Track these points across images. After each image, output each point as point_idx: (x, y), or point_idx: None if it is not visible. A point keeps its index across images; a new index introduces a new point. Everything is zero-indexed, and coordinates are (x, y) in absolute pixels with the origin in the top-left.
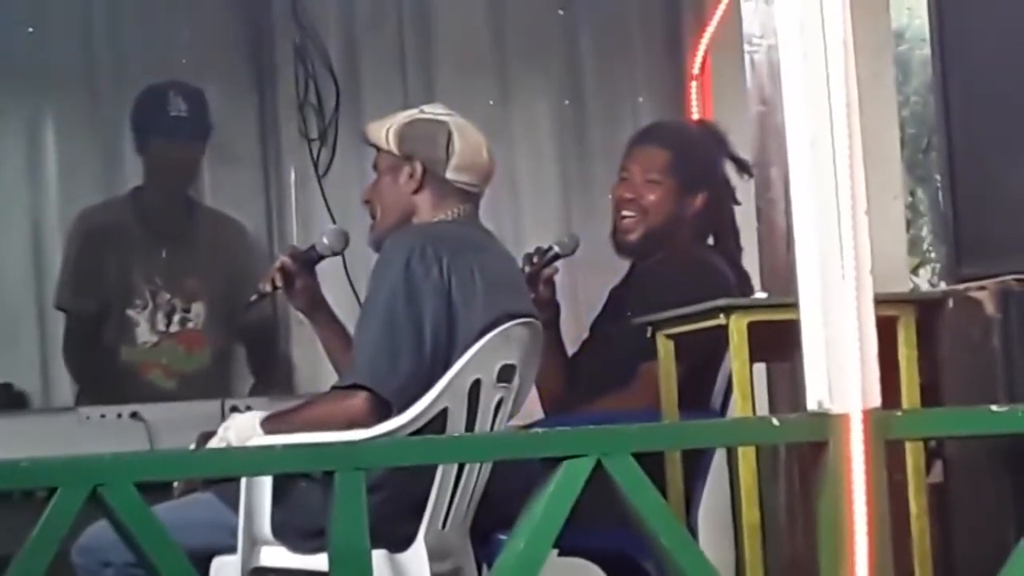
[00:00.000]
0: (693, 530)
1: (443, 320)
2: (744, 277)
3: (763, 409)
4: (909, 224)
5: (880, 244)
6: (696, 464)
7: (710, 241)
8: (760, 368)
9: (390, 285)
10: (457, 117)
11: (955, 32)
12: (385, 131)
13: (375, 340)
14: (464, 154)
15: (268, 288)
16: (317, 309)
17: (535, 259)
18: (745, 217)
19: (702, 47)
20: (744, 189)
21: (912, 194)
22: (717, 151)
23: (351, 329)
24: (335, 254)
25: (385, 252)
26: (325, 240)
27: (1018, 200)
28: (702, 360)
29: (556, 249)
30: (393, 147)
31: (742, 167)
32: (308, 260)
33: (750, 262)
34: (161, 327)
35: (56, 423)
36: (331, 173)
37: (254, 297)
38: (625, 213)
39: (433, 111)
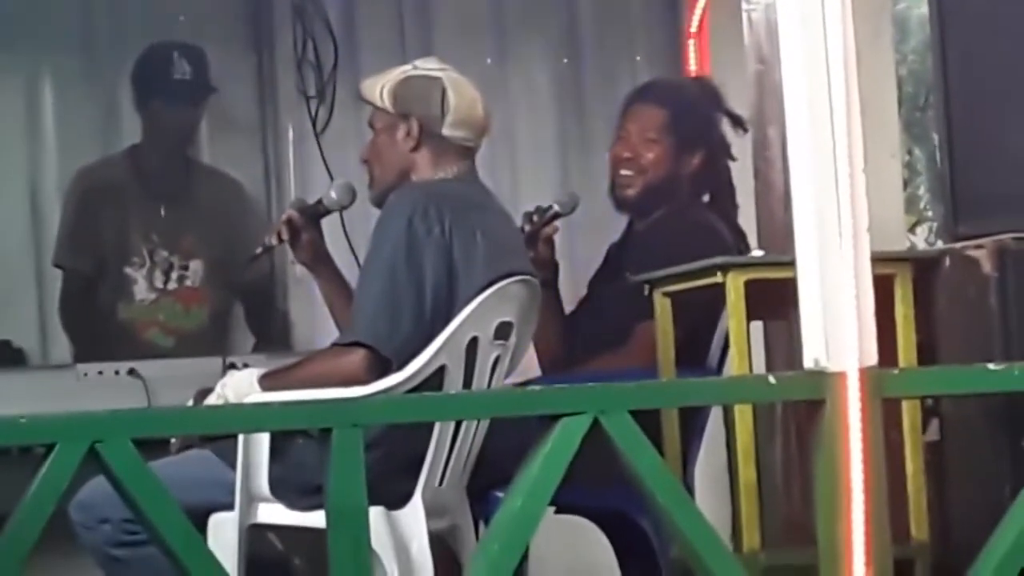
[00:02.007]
0: (690, 488)
1: (444, 279)
2: (740, 235)
3: (760, 367)
4: (906, 183)
5: (877, 203)
6: (693, 422)
7: (706, 199)
8: (757, 326)
9: (392, 243)
10: (451, 72)
11: None
12: (380, 88)
13: (376, 298)
14: (460, 110)
15: (274, 241)
16: (321, 263)
17: (535, 218)
18: (741, 174)
19: (700, 5)
20: (740, 145)
21: (909, 152)
22: (713, 108)
23: (353, 283)
24: (343, 208)
25: (387, 210)
26: (333, 194)
27: (1015, 158)
28: (699, 318)
29: (556, 208)
30: (388, 105)
31: (737, 123)
32: (315, 214)
33: (746, 220)
34: (159, 284)
35: (54, 380)
36: (329, 131)
37: (259, 250)
38: (623, 172)
39: (427, 66)
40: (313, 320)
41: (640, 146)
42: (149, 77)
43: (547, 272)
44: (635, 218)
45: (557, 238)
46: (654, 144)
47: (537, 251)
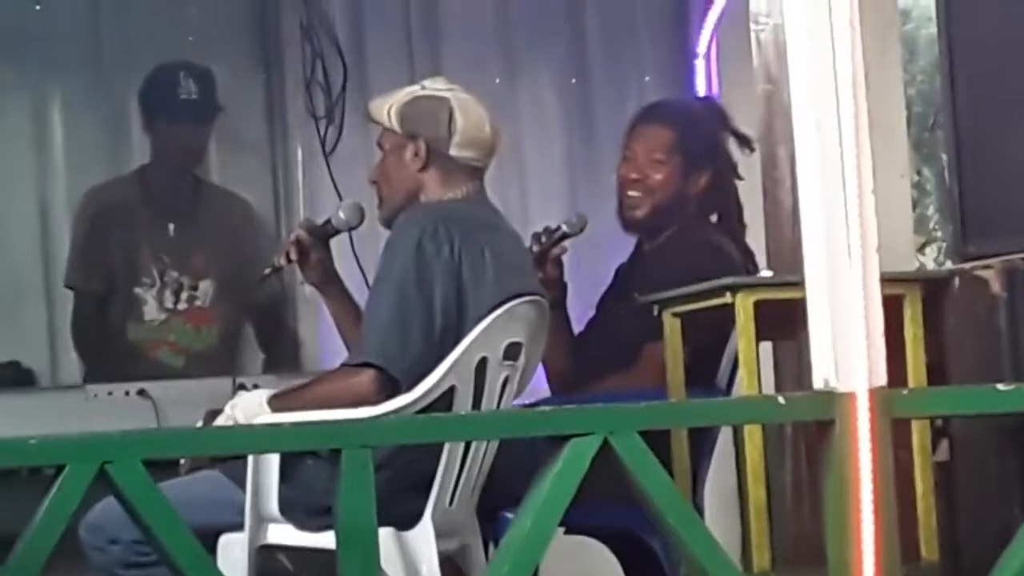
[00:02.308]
0: (699, 508)
1: (453, 300)
2: (749, 254)
3: (769, 388)
4: (915, 203)
5: (886, 223)
6: (702, 442)
7: (714, 219)
8: (766, 346)
9: (401, 264)
10: (459, 92)
11: (961, 11)
12: (387, 109)
13: (385, 318)
14: (467, 131)
15: (283, 261)
16: (330, 283)
17: (543, 239)
18: (750, 194)
19: (709, 26)
20: (746, 164)
21: (918, 172)
22: (719, 127)
23: (362, 304)
24: (351, 228)
25: (396, 231)
26: (342, 214)
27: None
28: (708, 338)
29: (564, 228)
30: (396, 125)
31: (744, 142)
32: (323, 234)
33: (754, 239)
34: (169, 305)
35: (64, 401)
36: (338, 151)
37: (268, 270)
38: (630, 193)
39: (434, 87)
40: (322, 340)
41: (647, 167)
42: (156, 97)
43: (556, 292)
44: (644, 239)
45: (566, 258)
46: (661, 165)
47: (546, 272)
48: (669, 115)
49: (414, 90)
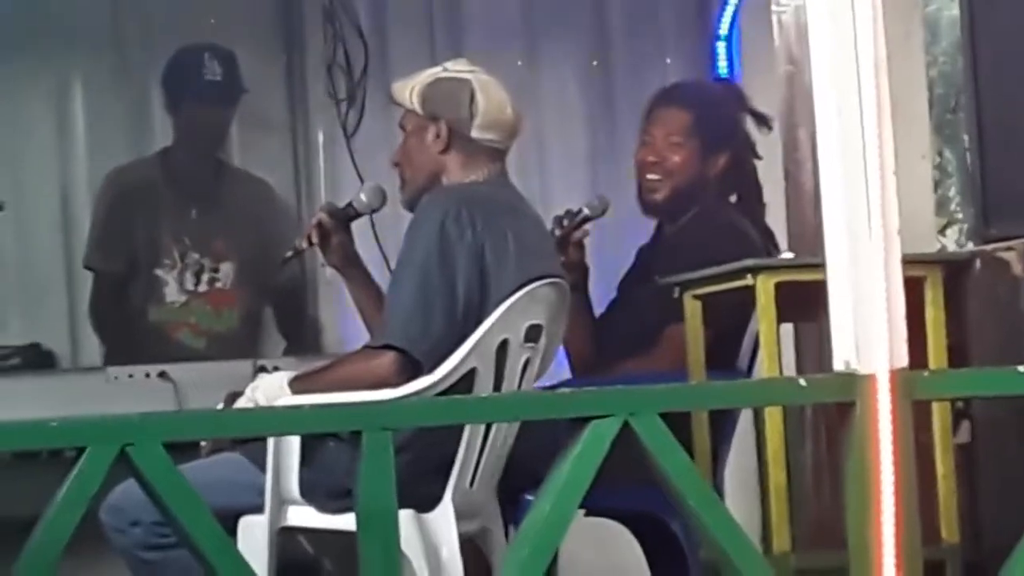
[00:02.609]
0: (719, 490)
1: (476, 282)
2: (768, 234)
3: (790, 369)
4: (936, 184)
5: (907, 204)
6: (723, 425)
7: (733, 199)
8: (787, 328)
9: (424, 246)
10: (481, 74)
11: None
12: (409, 91)
13: (408, 301)
14: (488, 112)
15: (305, 244)
16: (352, 266)
17: (565, 222)
18: (771, 175)
19: (730, 8)
20: (767, 146)
21: (940, 154)
22: (737, 107)
23: (383, 286)
24: (373, 211)
25: (419, 213)
26: (363, 197)
27: None
28: (729, 320)
29: (586, 212)
30: (417, 107)
31: (762, 121)
32: (345, 217)
33: (776, 221)
34: (190, 286)
35: (85, 383)
36: (359, 134)
37: (290, 253)
38: (650, 176)
39: (456, 68)
40: (343, 323)
41: (665, 150)
42: (180, 79)
43: (577, 275)
44: (664, 221)
45: (587, 241)
46: (679, 147)
47: (568, 255)
48: (686, 97)
49: (436, 72)
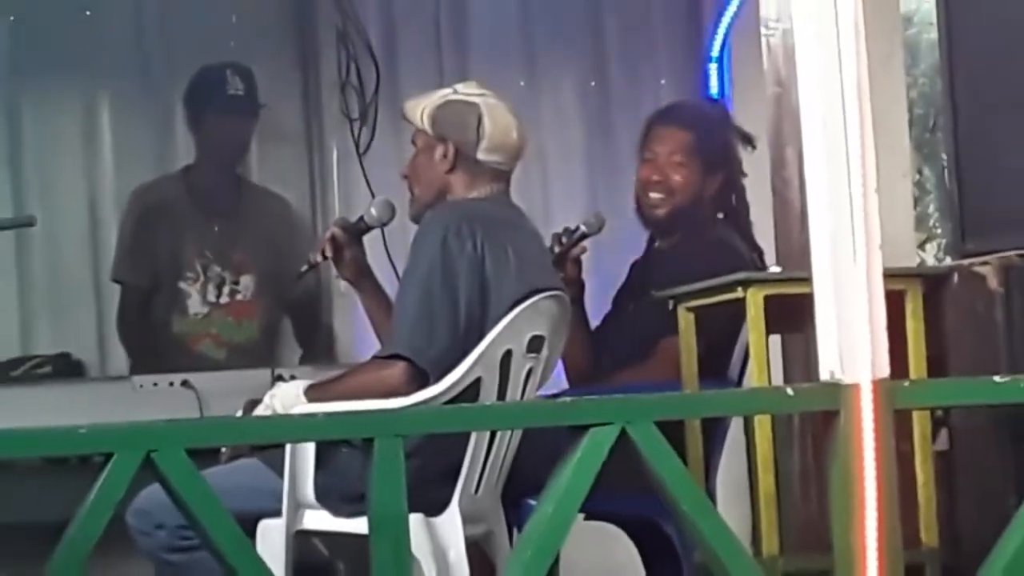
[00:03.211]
0: (712, 495)
1: (477, 294)
2: (757, 250)
3: (778, 379)
4: (916, 201)
5: (889, 221)
6: (714, 432)
7: (721, 215)
8: (775, 339)
9: (428, 261)
10: (490, 97)
11: (961, 16)
12: (420, 110)
13: (413, 313)
14: (494, 136)
15: (319, 258)
16: (364, 278)
17: (564, 239)
18: (758, 192)
19: (721, 31)
20: (753, 163)
21: (919, 172)
22: (728, 128)
23: (393, 298)
24: (383, 225)
25: (423, 228)
26: (373, 211)
27: (1020, 178)
28: (720, 332)
29: (583, 229)
30: (427, 127)
31: (746, 140)
32: (357, 231)
33: (764, 237)
34: (211, 298)
35: (111, 391)
36: (371, 151)
37: (305, 267)
38: (652, 194)
39: (466, 91)
40: (356, 333)
41: (668, 168)
42: (203, 94)
43: (574, 290)
44: (660, 236)
45: (584, 257)
46: (681, 167)
47: (565, 271)
48: (686, 118)
49: (447, 93)
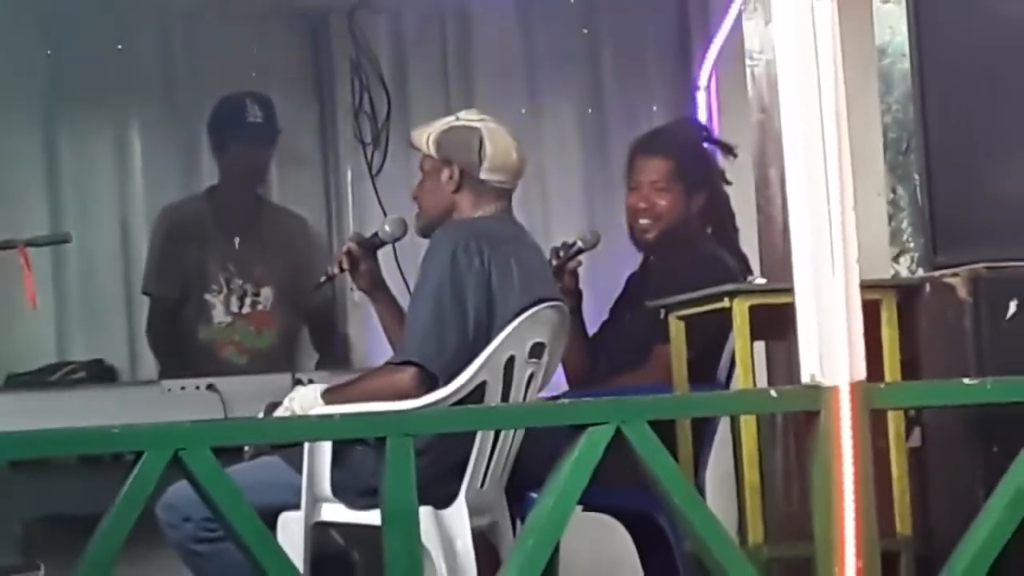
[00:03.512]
0: (701, 489)
1: (484, 305)
2: (743, 259)
3: (762, 382)
4: (890, 218)
5: (865, 236)
6: (703, 431)
7: (710, 230)
8: (760, 346)
9: (438, 274)
10: (490, 122)
11: (932, 48)
12: (426, 137)
13: (424, 322)
14: (495, 157)
15: (336, 270)
16: (377, 289)
17: (561, 253)
18: (744, 210)
19: (709, 61)
20: (738, 182)
21: (893, 191)
22: (705, 142)
23: (405, 308)
24: (395, 240)
25: (433, 244)
26: (387, 227)
27: (987, 196)
28: (709, 339)
29: (580, 244)
30: (433, 152)
31: (727, 150)
32: (371, 246)
33: (750, 250)
34: (234, 309)
35: (142, 394)
36: (383, 173)
37: (323, 279)
38: (641, 220)
39: (468, 117)
40: (370, 340)
41: (652, 195)
42: (225, 121)
43: (572, 300)
44: (653, 254)
45: (581, 270)
46: (664, 192)
47: (563, 282)
48: (664, 145)
49: (450, 120)
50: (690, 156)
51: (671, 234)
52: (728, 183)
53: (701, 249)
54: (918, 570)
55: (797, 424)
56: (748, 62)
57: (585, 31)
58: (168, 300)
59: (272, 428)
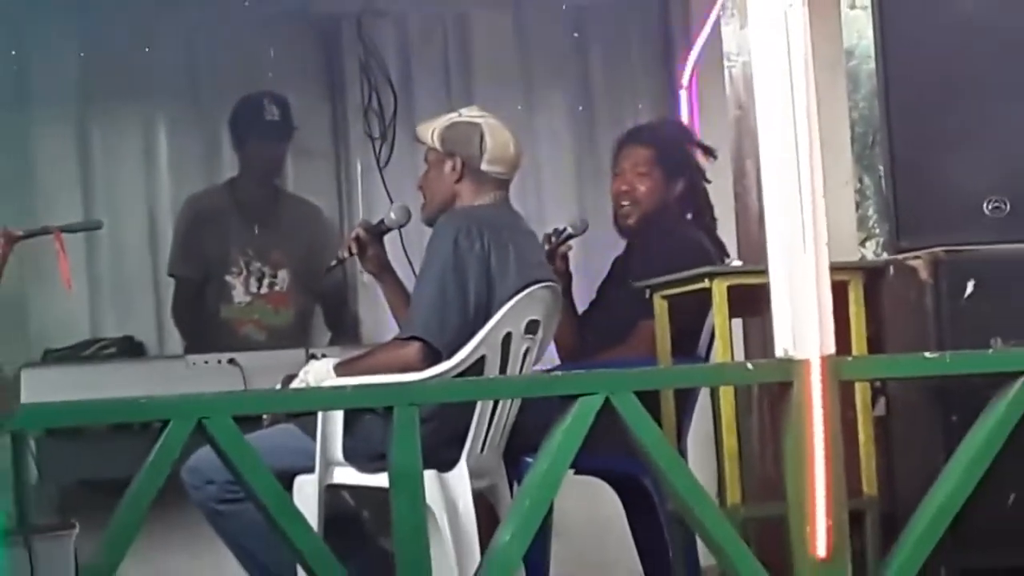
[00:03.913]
0: (683, 454)
1: (483, 286)
2: (720, 245)
3: (740, 356)
4: (857, 205)
5: (834, 222)
6: (685, 401)
7: (689, 216)
8: (738, 322)
9: (442, 257)
10: (489, 118)
11: (895, 51)
12: (431, 132)
13: (428, 301)
14: (494, 150)
15: (346, 254)
16: (384, 272)
17: (553, 238)
18: (722, 198)
19: (690, 62)
20: (717, 173)
21: (860, 181)
22: (687, 142)
23: (410, 289)
24: (401, 226)
25: (437, 230)
26: (392, 215)
27: (946, 186)
28: (690, 316)
29: (570, 230)
30: (437, 145)
31: (708, 152)
32: (378, 232)
33: (727, 235)
34: (253, 289)
35: (168, 368)
36: (390, 165)
37: (334, 262)
38: (623, 203)
39: (470, 114)
40: (378, 318)
41: (634, 180)
42: (245, 120)
43: (564, 281)
44: (634, 239)
45: (571, 254)
46: (645, 177)
47: (555, 264)
48: (645, 136)
49: (453, 116)
50: (670, 146)
51: (651, 218)
52: (708, 181)
53: (681, 233)
54: (883, 527)
55: (772, 394)
56: (726, 63)
57: (576, 35)
58: (192, 281)
59: (288, 398)
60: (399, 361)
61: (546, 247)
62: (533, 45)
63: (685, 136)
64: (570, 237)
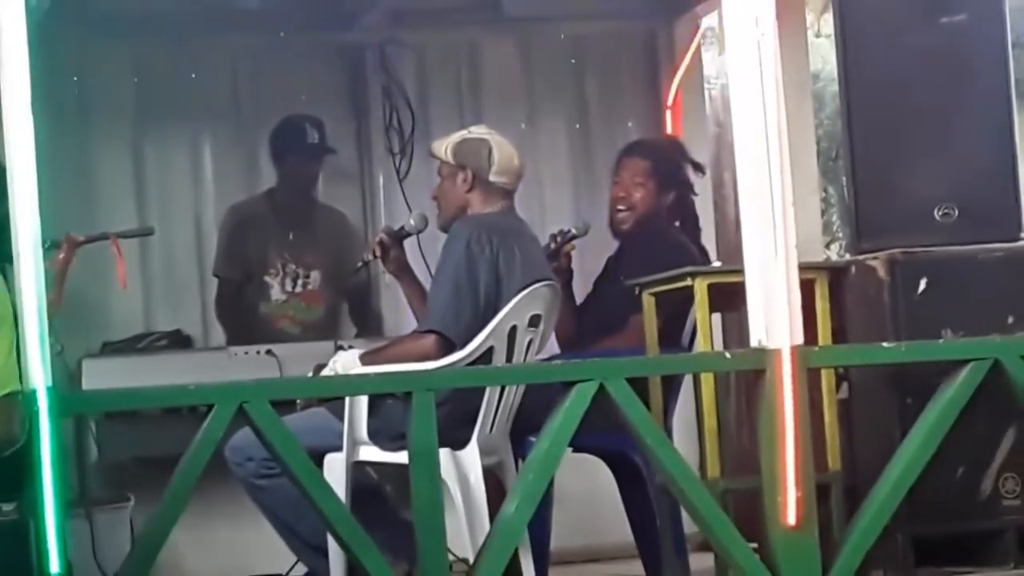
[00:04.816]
0: (669, 433)
1: (492, 284)
2: (703, 250)
3: (719, 346)
4: (823, 212)
5: (802, 227)
6: (671, 385)
7: (677, 224)
8: (717, 317)
9: (455, 259)
10: (496, 135)
11: (856, 74)
12: (444, 147)
13: (444, 298)
14: (501, 163)
15: (370, 257)
16: (404, 272)
17: (558, 239)
18: (703, 206)
19: (674, 85)
20: (700, 184)
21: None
22: (680, 158)
23: (427, 287)
24: (419, 232)
25: (451, 235)
26: (412, 222)
27: (901, 195)
28: (675, 311)
29: (574, 231)
30: (450, 159)
31: (697, 168)
32: (399, 236)
33: (708, 239)
34: (288, 288)
35: (212, 358)
36: (409, 178)
37: (360, 264)
38: (619, 207)
39: (479, 131)
40: (398, 313)
41: (631, 188)
42: (288, 141)
43: (565, 276)
44: (628, 242)
45: (572, 252)
46: (641, 186)
47: (560, 262)
48: (645, 150)
49: (464, 134)
50: (665, 161)
51: (643, 223)
52: (695, 194)
53: (668, 238)
54: (846, 498)
55: (747, 380)
56: (706, 86)
57: (573, 61)
58: (234, 281)
59: (319, 384)
60: (418, 351)
61: (551, 246)
62: (535, 70)
63: (679, 153)
64: (574, 237)
